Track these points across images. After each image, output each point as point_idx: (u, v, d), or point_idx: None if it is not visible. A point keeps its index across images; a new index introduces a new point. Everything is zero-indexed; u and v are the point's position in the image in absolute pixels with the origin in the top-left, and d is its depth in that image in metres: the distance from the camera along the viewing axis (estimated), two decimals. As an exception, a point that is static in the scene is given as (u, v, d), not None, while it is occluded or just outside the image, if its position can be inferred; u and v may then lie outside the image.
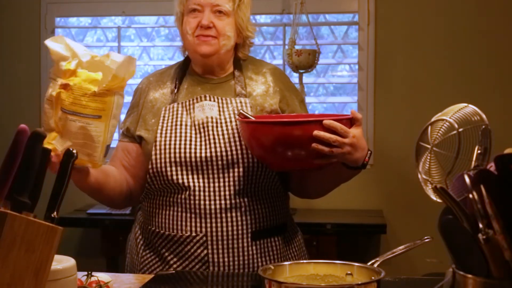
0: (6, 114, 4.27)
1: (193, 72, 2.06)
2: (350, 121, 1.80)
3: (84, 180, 1.84)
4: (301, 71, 3.77)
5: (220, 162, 1.91)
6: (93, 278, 1.62)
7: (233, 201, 1.92)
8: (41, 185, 1.29)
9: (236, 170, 1.92)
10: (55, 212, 1.30)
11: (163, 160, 1.93)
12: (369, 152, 1.84)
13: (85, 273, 1.63)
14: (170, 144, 1.93)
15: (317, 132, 1.73)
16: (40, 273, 1.25)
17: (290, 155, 1.77)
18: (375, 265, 1.52)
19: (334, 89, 4.18)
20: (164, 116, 1.98)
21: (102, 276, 1.64)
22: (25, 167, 1.25)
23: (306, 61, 3.72)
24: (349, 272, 1.52)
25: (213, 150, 1.92)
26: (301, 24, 3.84)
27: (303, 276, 1.53)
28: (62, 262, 1.41)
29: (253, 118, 1.88)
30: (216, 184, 1.92)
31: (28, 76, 4.27)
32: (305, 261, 1.62)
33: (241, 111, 1.92)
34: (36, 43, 4.23)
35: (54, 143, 1.69)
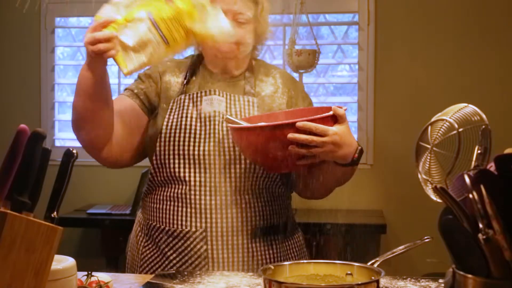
0: (6, 114, 4.27)
1: (205, 69, 2.07)
2: (332, 118, 1.77)
3: (100, 68, 1.80)
4: (301, 71, 3.77)
5: (222, 157, 1.92)
6: (93, 278, 1.62)
7: (233, 197, 1.92)
8: (41, 185, 1.29)
9: (237, 166, 1.92)
10: (55, 212, 1.30)
11: (167, 153, 1.93)
12: (359, 148, 1.83)
13: (85, 273, 1.62)
14: (174, 137, 1.94)
15: (292, 135, 1.71)
16: (40, 273, 1.25)
17: (272, 158, 1.77)
18: (375, 265, 1.52)
19: (334, 89, 4.18)
20: (171, 108, 1.98)
21: (102, 276, 1.64)
22: (25, 167, 1.25)
23: (306, 61, 3.72)
24: (349, 272, 1.52)
25: (217, 144, 1.92)
26: (301, 24, 3.84)
27: (303, 276, 1.53)
28: (62, 262, 1.41)
29: (241, 122, 1.88)
30: (217, 180, 1.92)
31: (28, 76, 4.27)
32: (305, 261, 1.62)
33: (227, 116, 1.91)
34: (36, 43, 4.24)
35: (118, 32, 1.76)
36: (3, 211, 1.21)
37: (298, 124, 1.71)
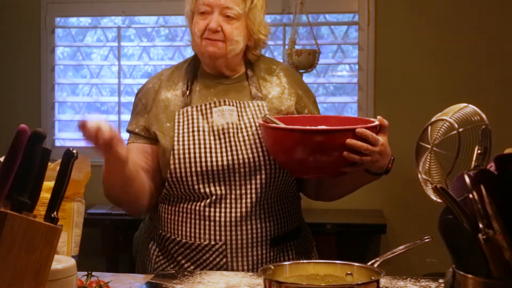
0: (6, 114, 4.27)
1: (204, 73, 2.01)
2: (376, 128, 1.79)
3: (122, 168, 1.81)
4: (301, 71, 3.77)
5: (242, 170, 1.88)
6: (93, 278, 1.62)
7: (253, 209, 1.90)
8: (41, 185, 1.29)
9: (258, 177, 1.89)
10: (55, 212, 1.30)
11: (183, 170, 1.88)
12: (392, 158, 1.84)
13: (85, 273, 1.62)
14: (189, 153, 1.88)
15: (350, 141, 1.71)
16: (40, 273, 1.25)
17: (318, 163, 1.76)
18: (375, 265, 1.52)
19: (334, 89, 4.18)
20: (179, 121, 1.92)
21: (102, 276, 1.64)
22: (25, 167, 1.25)
23: (306, 61, 3.72)
24: (349, 272, 1.52)
25: (235, 157, 1.88)
26: (301, 24, 3.84)
27: (303, 276, 1.53)
28: (62, 262, 1.40)
29: (279, 123, 1.85)
30: (238, 192, 1.89)
31: (28, 76, 4.27)
32: (305, 261, 1.62)
33: (267, 116, 1.88)
34: (36, 43, 4.23)
35: None
36: (3, 211, 1.21)
37: (358, 130, 1.72)
